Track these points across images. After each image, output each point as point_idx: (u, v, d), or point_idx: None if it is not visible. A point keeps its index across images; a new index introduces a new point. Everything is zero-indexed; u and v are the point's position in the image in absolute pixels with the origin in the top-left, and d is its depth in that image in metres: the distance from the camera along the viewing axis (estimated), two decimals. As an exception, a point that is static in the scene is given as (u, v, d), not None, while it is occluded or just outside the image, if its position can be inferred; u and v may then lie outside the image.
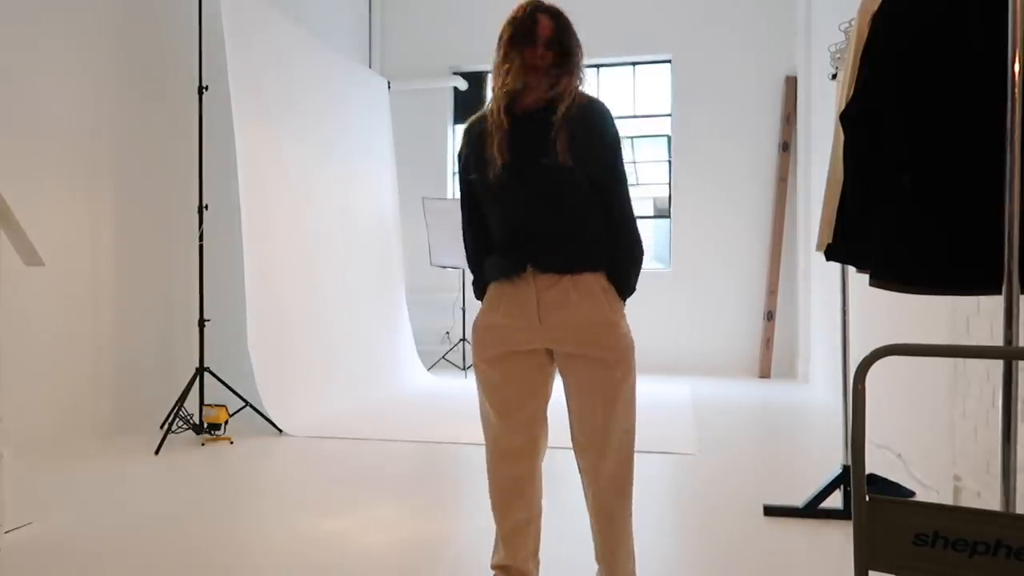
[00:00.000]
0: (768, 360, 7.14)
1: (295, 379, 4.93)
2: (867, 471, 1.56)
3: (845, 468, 2.92)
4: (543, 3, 1.91)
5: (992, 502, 2.49)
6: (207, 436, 4.26)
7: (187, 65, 4.86)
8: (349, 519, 2.92)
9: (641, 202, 7.83)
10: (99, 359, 4.44)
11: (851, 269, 2.89)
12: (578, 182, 1.87)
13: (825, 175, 2.89)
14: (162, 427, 4.25)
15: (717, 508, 3.05)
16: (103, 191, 4.49)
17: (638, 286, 1.97)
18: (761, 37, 7.21)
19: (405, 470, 3.78)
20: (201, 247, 4.47)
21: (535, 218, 1.90)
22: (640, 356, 2.03)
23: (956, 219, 1.82)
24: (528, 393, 1.98)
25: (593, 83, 7.65)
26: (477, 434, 2.10)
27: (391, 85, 7.20)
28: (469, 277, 2.08)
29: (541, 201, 1.89)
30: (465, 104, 8.04)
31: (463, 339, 7.32)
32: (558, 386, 2.01)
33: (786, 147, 7.14)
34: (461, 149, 2.02)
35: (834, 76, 3.23)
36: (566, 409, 1.99)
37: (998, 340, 1.80)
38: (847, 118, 2.05)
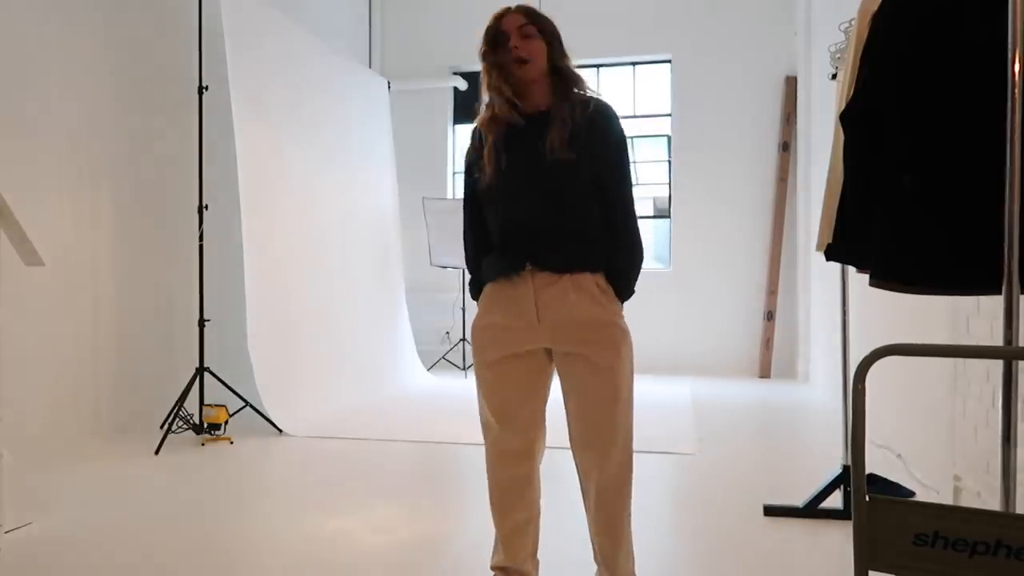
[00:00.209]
0: (768, 360, 7.14)
1: (295, 379, 4.93)
2: (867, 471, 1.56)
3: (845, 468, 2.92)
4: (507, 8, 1.96)
5: (992, 502, 2.49)
6: (207, 436, 4.27)
7: (187, 65, 4.85)
8: (349, 519, 2.92)
9: (641, 202, 7.82)
10: (99, 359, 4.44)
11: (851, 269, 2.89)
12: (581, 181, 1.88)
13: (825, 175, 2.89)
14: (162, 427, 4.25)
15: (717, 508, 3.05)
16: (103, 191, 4.49)
17: (638, 286, 1.97)
18: (761, 37, 7.20)
19: (405, 470, 3.78)
20: (201, 247, 4.48)
21: (536, 216, 1.90)
22: (640, 356, 2.03)
23: (956, 219, 1.82)
24: (527, 396, 1.98)
25: (593, 83, 7.64)
26: (477, 434, 2.10)
27: (391, 85, 7.20)
28: (468, 277, 2.07)
29: (543, 199, 1.89)
30: (465, 104, 8.01)
31: (463, 339, 7.32)
32: (556, 386, 2.01)
33: (786, 147, 7.13)
34: (468, 151, 2.03)
35: (834, 76, 3.23)
36: (564, 409, 1.99)
37: (998, 340, 1.80)
38: (847, 118, 2.05)
